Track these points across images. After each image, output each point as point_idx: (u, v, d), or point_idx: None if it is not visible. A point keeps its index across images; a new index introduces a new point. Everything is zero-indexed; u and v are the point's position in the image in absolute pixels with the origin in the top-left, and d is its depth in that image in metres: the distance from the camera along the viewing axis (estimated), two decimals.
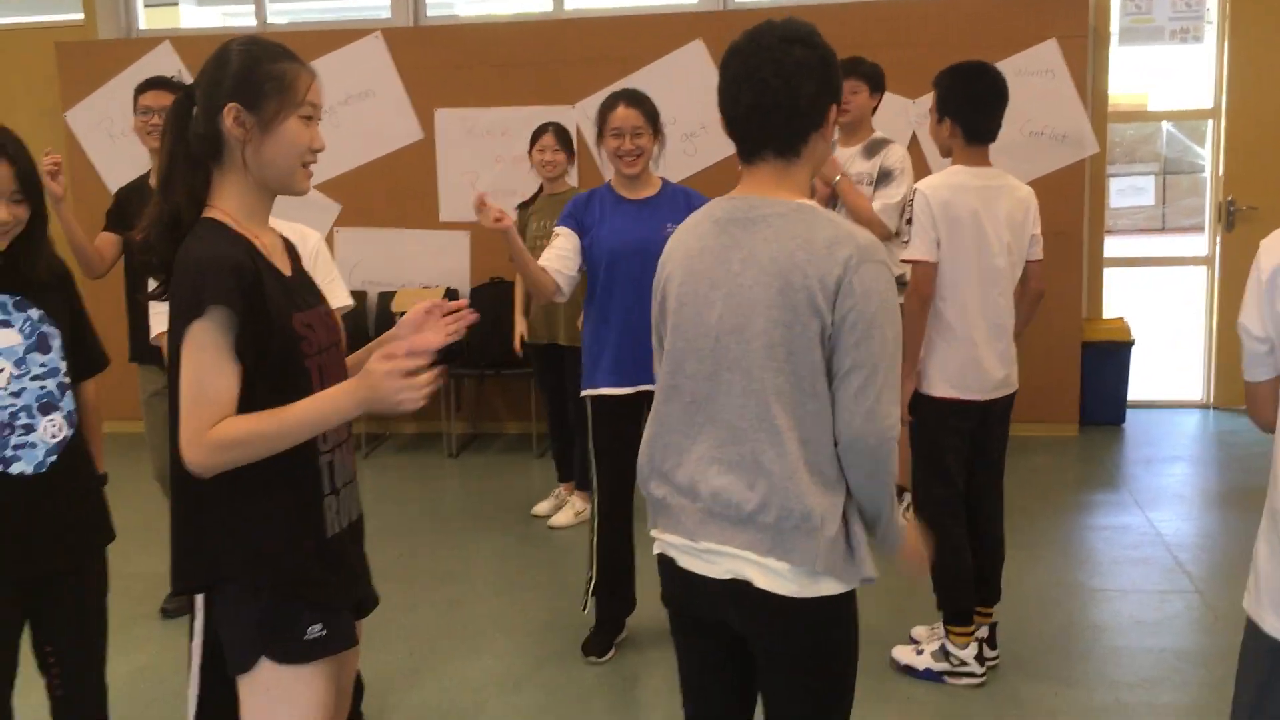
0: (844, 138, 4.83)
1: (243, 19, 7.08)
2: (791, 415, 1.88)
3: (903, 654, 3.58)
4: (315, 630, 1.87)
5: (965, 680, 3.45)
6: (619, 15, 6.52)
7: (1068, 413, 6.25)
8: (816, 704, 2.03)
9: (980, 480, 3.51)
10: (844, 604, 1.97)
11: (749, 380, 1.90)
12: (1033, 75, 5.93)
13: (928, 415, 3.45)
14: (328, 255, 3.08)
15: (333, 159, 6.52)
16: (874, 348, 1.87)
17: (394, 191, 6.53)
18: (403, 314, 6.58)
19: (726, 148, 5.33)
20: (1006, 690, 3.44)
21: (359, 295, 6.61)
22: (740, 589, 1.94)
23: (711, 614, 2.03)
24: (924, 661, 3.52)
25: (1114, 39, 6.33)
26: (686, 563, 2.01)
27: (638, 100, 3.68)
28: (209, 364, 1.77)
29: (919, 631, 3.71)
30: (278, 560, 1.86)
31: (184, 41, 6.67)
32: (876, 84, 4.74)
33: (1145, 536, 4.70)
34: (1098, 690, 3.42)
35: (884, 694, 3.44)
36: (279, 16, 7.07)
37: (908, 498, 5.11)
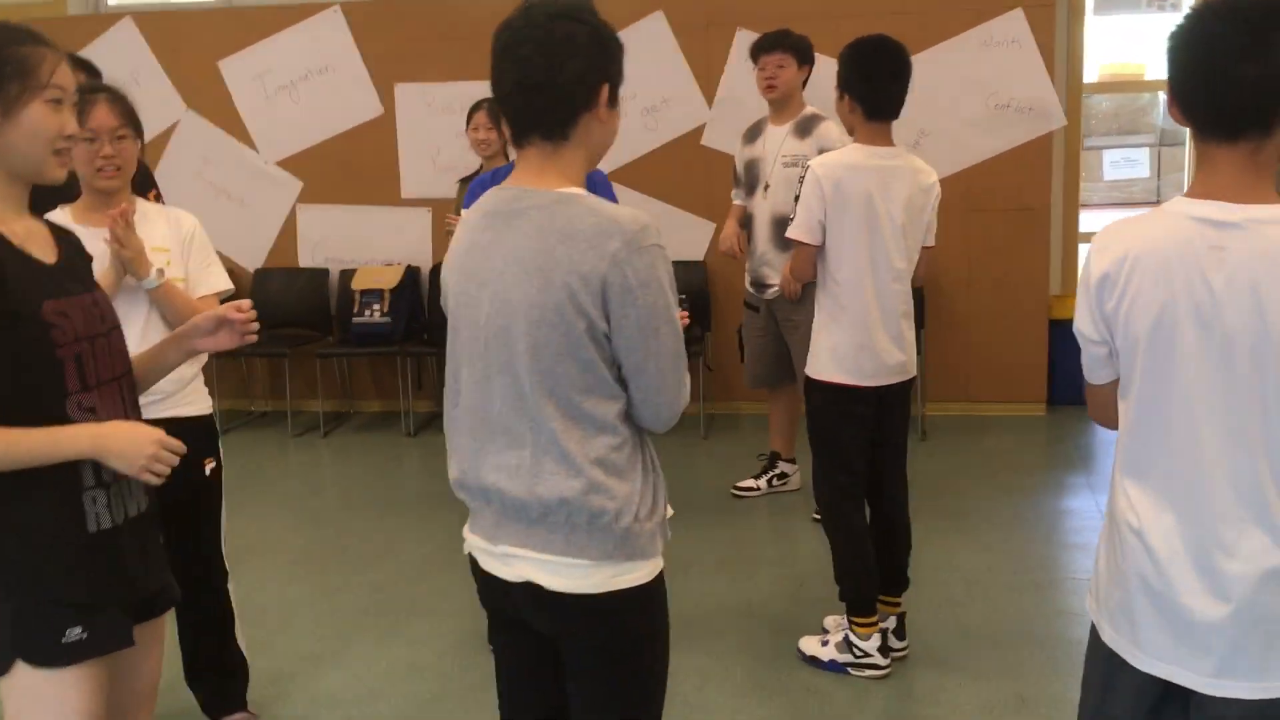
0: (774, 115, 4.72)
1: None
2: (567, 416, 1.83)
3: (808, 645, 3.51)
4: (75, 633, 1.83)
5: (868, 672, 3.38)
6: None
7: (1034, 391, 6.13)
8: (623, 702, 1.98)
9: (882, 466, 3.43)
10: (646, 596, 1.93)
11: (518, 384, 1.85)
12: (999, 46, 5.78)
13: (822, 401, 3.37)
14: (204, 240, 3.03)
15: (293, 135, 6.49)
16: (664, 340, 1.82)
17: (355, 168, 6.47)
18: (364, 291, 6.43)
19: (688, 122, 5.32)
20: (905, 683, 3.36)
21: (320, 273, 6.58)
22: (535, 591, 1.90)
23: (517, 615, 1.99)
24: (828, 653, 3.45)
25: (1089, 8, 6.15)
26: (487, 564, 1.98)
27: None
28: None
29: (830, 621, 3.64)
30: (28, 558, 1.82)
31: (147, 18, 6.63)
32: (804, 56, 4.62)
33: (1090, 521, 4.59)
34: (1003, 683, 3.34)
35: (784, 685, 3.38)
36: None
37: (783, 466, 5.07)
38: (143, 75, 6.54)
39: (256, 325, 2.16)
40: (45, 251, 1.92)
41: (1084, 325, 1.88)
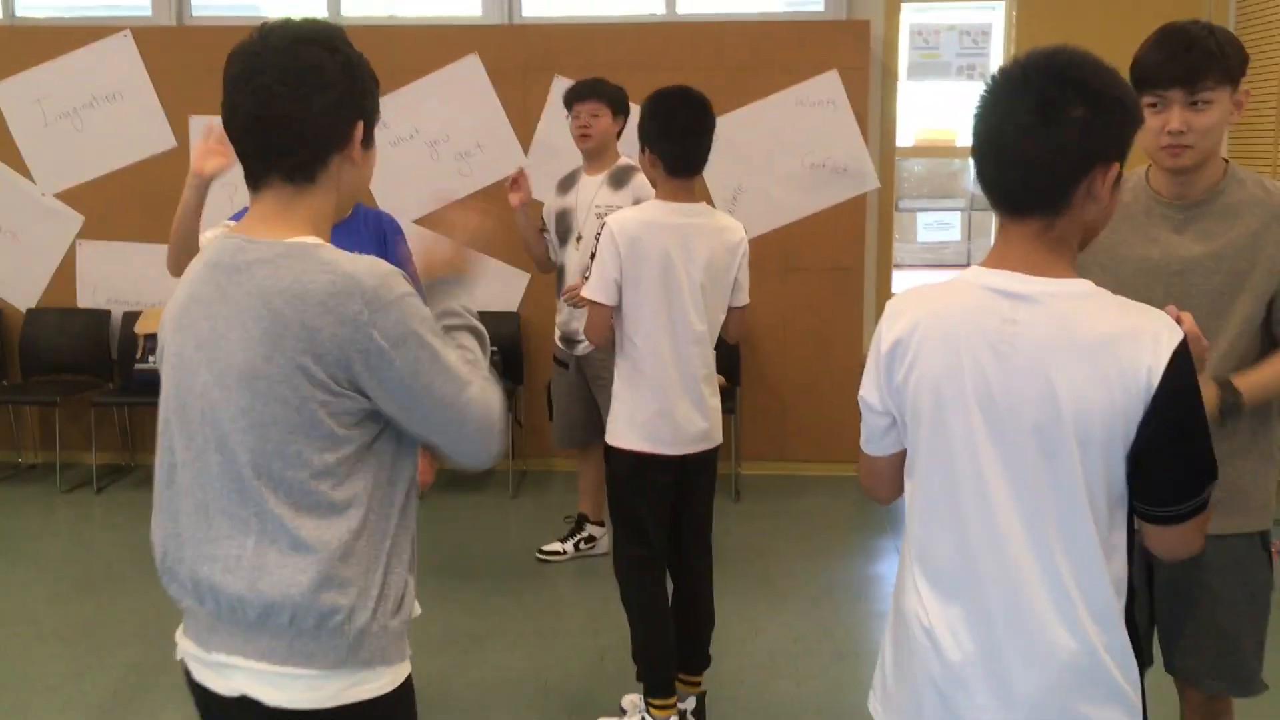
0: (588, 165, 4.57)
1: None
2: (297, 500, 1.58)
3: None
4: None
5: None
6: (395, 25, 6.16)
7: (849, 451, 6.06)
8: None
9: (683, 538, 3.25)
10: (388, 708, 1.68)
11: (237, 464, 1.59)
12: (814, 106, 5.78)
13: (618, 469, 3.18)
14: None
15: (75, 166, 6.01)
16: (442, 392, 1.60)
17: (144, 203, 6.00)
18: (150, 335, 5.97)
19: (503, 168, 5.08)
20: None
21: (101, 314, 6.08)
22: (252, 707, 1.62)
23: None
24: None
25: (902, 74, 6.24)
26: (199, 674, 1.69)
27: None
28: None
29: (627, 701, 3.43)
30: None
31: None
32: (620, 106, 4.49)
33: None
34: None
35: None
36: (31, 11, 6.49)
37: (591, 529, 4.90)
38: None
39: None
40: None
41: (869, 393, 1.75)
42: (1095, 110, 1.51)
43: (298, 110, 1.57)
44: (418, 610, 1.75)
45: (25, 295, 6.10)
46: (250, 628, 1.61)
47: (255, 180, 1.62)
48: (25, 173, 6.00)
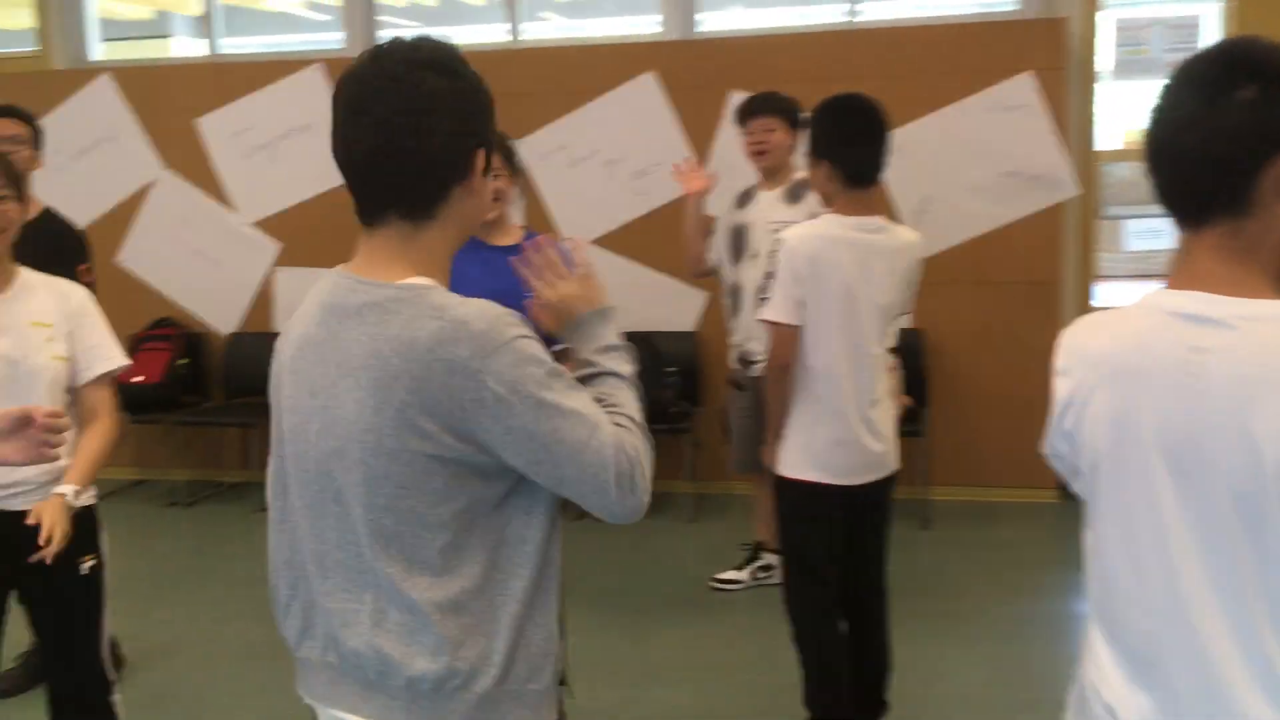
0: (764, 180, 4.41)
1: (196, 49, 6.85)
2: (412, 558, 1.48)
3: None
4: None
5: None
6: (570, 46, 6.16)
7: (1046, 477, 5.69)
8: None
9: (857, 575, 3.06)
10: None
11: (352, 519, 1.50)
12: (1006, 111, 5.46)
13: (791, 501, 3.01)
14: (95, 315, 2.72)
15: (272, 195, 6.23)
16: (569, 437, 1.47)
17: (335, 230, 6.17)
18: None
19: (678, 187, 4.98)
20: None
21: None
22: None
23: None
24: None
25: (1107, 74, 5.84)
26: None
27: None
28: None
29: None
30: None
31: (126, 73, 6.43)
32: (795, 119, 4.31)
33: None
34: None
35: None
36: (232, 48, 6.81)
37: (768, 557, 4.69)
38: (121, 133, 6.35)
39: (62, 439, 1.79)
40: None
41: (1052, 439, 1.54)
42: (1267, 90, 1.28)
43: (418, 143, 1.47)
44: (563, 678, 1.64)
45: (227, 320, 6.38)
46: (369, 686, 1.54)
47: (370, 217, 1.53)
48: (227, 203, 6.28)
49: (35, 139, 3.92)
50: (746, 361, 4.45)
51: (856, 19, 5.83)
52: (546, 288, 1.66)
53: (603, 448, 1.48)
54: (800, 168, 4.37)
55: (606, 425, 1.51)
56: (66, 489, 2.51)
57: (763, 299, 3.02)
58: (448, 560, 1.48)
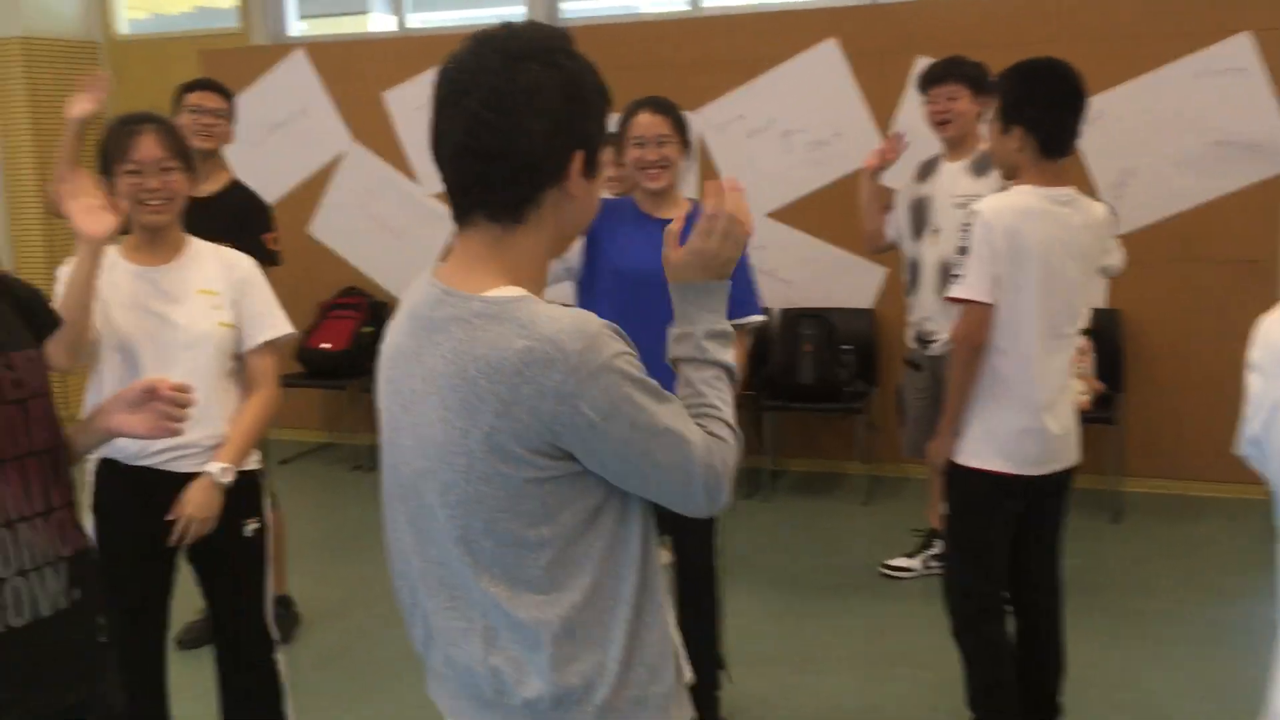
0: (948, 151, 4.19)
1: (387, 25, 7.01)
2: (513, 577, 1.42)
3: None
4: None
5: None
6: (748, 13, 6.01)
7: (1253, 471, 5.29)
8: None
9: (1031, 571, 2.87)
10: None
11: (450, 541, 1.44)
12: (1218, 75, 5.03)
13: (968, 491, 2.84)
14: (261, 283, 2.78)
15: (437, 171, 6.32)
16: (661, 456, 1.39)
17: None
18: None
19: (860, 158, 4.81)
20: None
21: None
22: None
23: None
24: None
25: None
26: None
27: (664, 107, 3.21)
28: None
29: None
30: None
31: (319, 48, 6.64)
32: (979, 85, 4.07)
33: None
34: None
35: None
36: (420, 23, 6.95)
37: (939, 545, 4.46)
38: (312, 107, 6.56)
39: (185, 414, 1.80)
40: None
41: (1242, 440, 1.38)
42: None
43: (507, 141, 1.36)
44: (689, 674, 1.56)
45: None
46: (487, 705, 1.49)
47: (460, 217, 1.44)
48: (411, 174, 6.42)
49: (232, 112, 4.07)
50: (924, 340, 4.26)
51: None
52: (699, 234, 1.52)
53: (692, 464, 1.41)
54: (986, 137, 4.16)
55: (698, 440, 1.42)
56: (214, 467, 2.59)
57: (954, 275, 2.85)
58: (554, 577, 1.41)
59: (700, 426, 1.45)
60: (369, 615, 4.26)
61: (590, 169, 1.43)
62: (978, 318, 2.81)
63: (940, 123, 4.14)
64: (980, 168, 4.07)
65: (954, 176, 4.14)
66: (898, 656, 3.82)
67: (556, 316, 1.36)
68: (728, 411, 1.49)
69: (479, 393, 1.35)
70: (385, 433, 1.53)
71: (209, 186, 3.96)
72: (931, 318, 4.20)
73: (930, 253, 4.19)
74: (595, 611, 1.43)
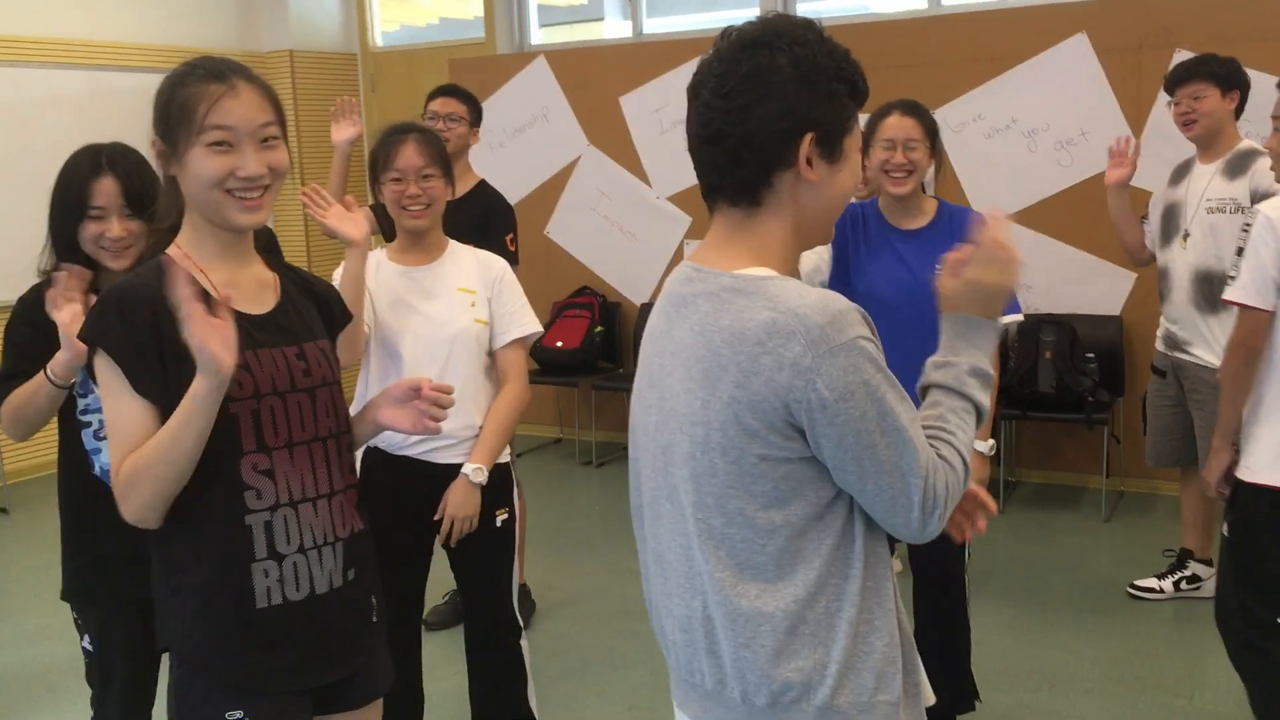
0: (1200, 152, 3.96)
1: (622, 31, 7.16)
2: (741, 562, 1.43)
3: None
4: (234, 715, 1.69)
5: None
6: (993, 10, 5.82)
7: None
8: None
9: None
10: None
11: (684, 517, 1.47)
12: None
13: (1248, 510, 2.67)
14: (514, 284, 2.90)
15: (684, 170, 6.30)
16: (882, 456, 1.37)
17: None
18: None
19: (1105, 159, 4.61)
20: None
21: None
22: None
23: None
24: None
25: None
26: None
27: (916, 110, 3.14)
28: (110, 403, 1.68)
29: None
30: (190, 631, 1.71)
31: (558, 55, 6.84)
32: (1229, 81, 3.84)
33: None
34: None
35: None
36: (652, 28, 7.06)
37: (1195, 567, 4.22)
38: (552, 112, 6.77)
39: (443, 413, 1.90)
40: (255, 301, 1.80)
41: None
42: None
43: (732, 125, 1.41)
44: (930, 696, 1.53)
45: (640, 290, 6.64)
46: (707, 696, 1.51)
47: (709, 202, 1.51)
48: (644, 178, 6.53)
49: (474, 117, 4.21)
50: (1172, 344, 4.03)
51: None
52: (976, 265, 1.50)
53: (914, 475, 1.38)
54: (1245, 136, 3.91)
55: (925, 453, 1.40)
56: (469, 468, 2.72)
57: (1230, 276, 2.71)
58: (780, 567, 1.42)
59: (933, 447, 1.43)
60: (598, 606, 4.36)
61: (830, 153, 1.44)
62: (1254, 323, 2.66)
63: (1186, 123, 3.92)
64: (1235, 169, 3.82)
65: (1206, 179, 3.90)
66: (1148, 682, 3.62)
67: (804, 293, 1.38)
68: (965, 448, 1.45)
69: (721, 362, 1.39)
70: (633, 412, 1.58)
71: (456, 189, 4.13)
72: (1180, 324, 3.98)
73: (1180, 258, 3.97)
74: (819, 609, 1.42)
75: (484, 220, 4.03)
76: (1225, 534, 2.79)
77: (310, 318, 1.87)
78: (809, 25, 1.45)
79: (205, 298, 1.59)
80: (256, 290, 1.82)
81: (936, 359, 1.51)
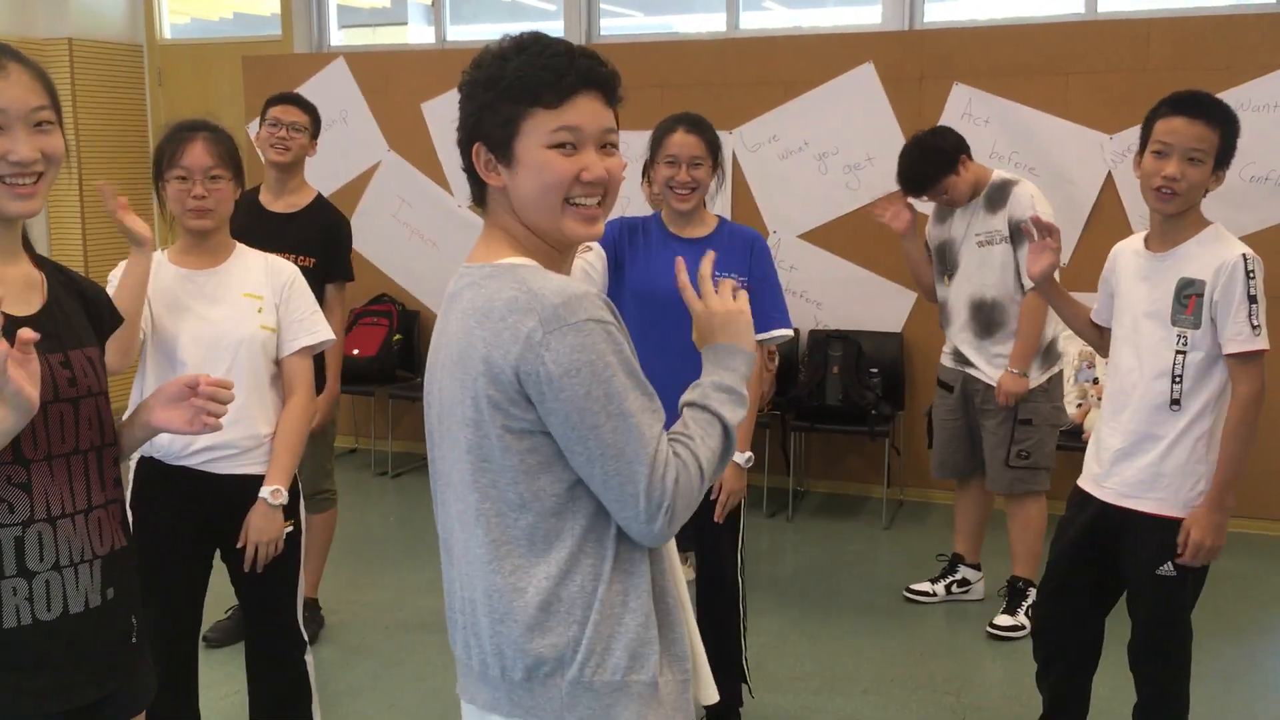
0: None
1: (426, 37, 7.08)
2: (499, 539, 1.49)
3: None
4: None
5: None
6: (787, 35, 6.04)
7: None
8: None
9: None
10: None
11: (457, 500, 1.54)
12: (1260, 111, 5.02)
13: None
14: (304, 290, 2.82)
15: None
16: (606, 438, 1.43)
17: None
18: None
19: (892, 182, 4.80)
20: None
21: None
22: None
23: None
24: None
25: None
26: None
27: (699, 126, 3.23)
28: None
29: None
30: None
31: (358, 58, 6.71)
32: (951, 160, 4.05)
33: None
34: None
35: None
36: (459, 35, 7.01)
37: (965, 571, 4.48)
38: (351, 115, 6.63)
39: (222, 409, 1.83)
40: (20, 301, 1.69)
41: None
42: None
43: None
44: (712, 694, 1.59)
45: (440, 300, 6.52)
46: (475, 676, 1.56)
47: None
48: (446, 186, 6.47)
49: (315, 127, 4.09)
50: (961, 360, 4.21)
51: (1098, 10, 5.48)
52: (708, 296, 1.64)
53: (640, 464, 1.43)
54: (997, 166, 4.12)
55: (657, 448, 1.45)
56: (266, 491, 2.64)
57: (1254, 325, 2.64)
58: (534, 543, 1.48)
59: (671, 448, 1.48)
60: (391, 619, 4.28)
61: (503, 158, 1.52)
62: (1263, 364, 2.68)
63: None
64: (994, 202, 4.02)
65: (969, 213, 4.10)
66: (921, 681, 3.81)
67: (551, 278, 1.47)
68: (705, 455, 1.50)
69: (472, 340, 1.46)
70: (425, 410, 1.62)
71: (293, 201, 4.01)
72: (964, 346, 4.19)
73: (955, 292, 4.17)
74: (573, 587, 1.47)
75: (325, 236, 3.94)
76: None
77: (78, 322, 1.77)
78: (509, 40, 1.54)
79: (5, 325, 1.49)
80: (22, 289, 1.71)
81: (692, 384, 1.59)
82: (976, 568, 4.50)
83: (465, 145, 1.56)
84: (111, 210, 2.66)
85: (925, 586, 4.52)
